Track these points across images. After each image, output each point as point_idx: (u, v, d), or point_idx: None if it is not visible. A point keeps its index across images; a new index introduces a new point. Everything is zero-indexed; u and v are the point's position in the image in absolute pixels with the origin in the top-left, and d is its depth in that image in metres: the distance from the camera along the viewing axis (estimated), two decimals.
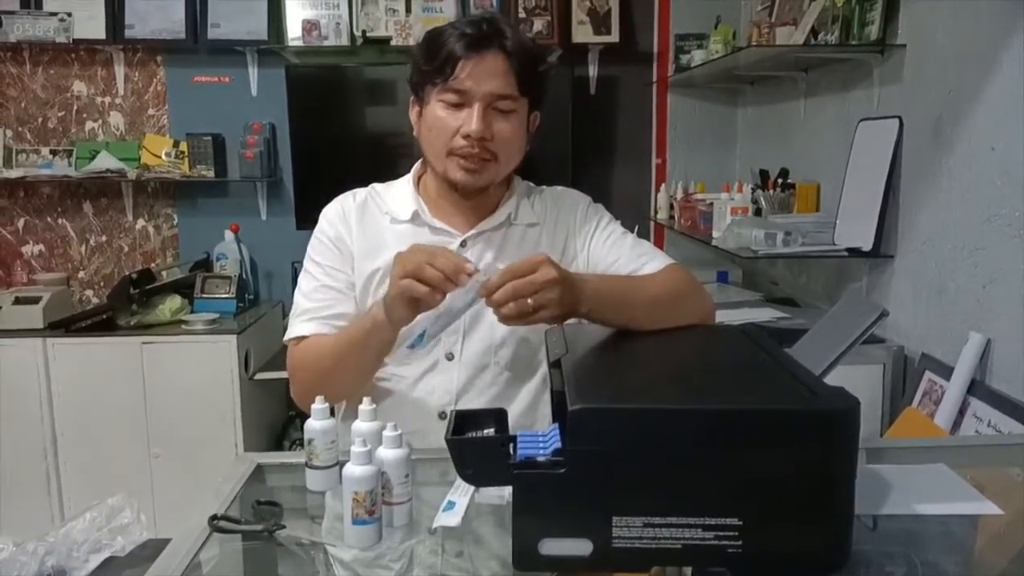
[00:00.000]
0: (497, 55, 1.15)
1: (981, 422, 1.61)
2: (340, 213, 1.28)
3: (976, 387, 1.66)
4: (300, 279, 1.29)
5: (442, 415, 1.22)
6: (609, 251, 1.27)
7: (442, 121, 1.17)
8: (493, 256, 1.25)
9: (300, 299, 1.26)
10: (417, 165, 1.32)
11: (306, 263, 1.29)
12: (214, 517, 0.96)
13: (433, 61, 1.16)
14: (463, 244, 1.25)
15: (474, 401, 1.22)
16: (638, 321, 1.11)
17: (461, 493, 0.99)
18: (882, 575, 0.88)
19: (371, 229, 1.27)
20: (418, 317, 1.06)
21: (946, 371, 1.74)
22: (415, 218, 1.26)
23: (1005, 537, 0.99)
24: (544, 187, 1.36)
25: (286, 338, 1.25)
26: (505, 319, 1.01)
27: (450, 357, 1.22)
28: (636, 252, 1.27)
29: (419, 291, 1.02)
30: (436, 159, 1.21)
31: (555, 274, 1.00)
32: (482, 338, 1.23)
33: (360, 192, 1.32)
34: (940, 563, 0.93)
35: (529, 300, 0.98)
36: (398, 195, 1.30)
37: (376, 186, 1.33)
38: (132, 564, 1.20)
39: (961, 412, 1.67)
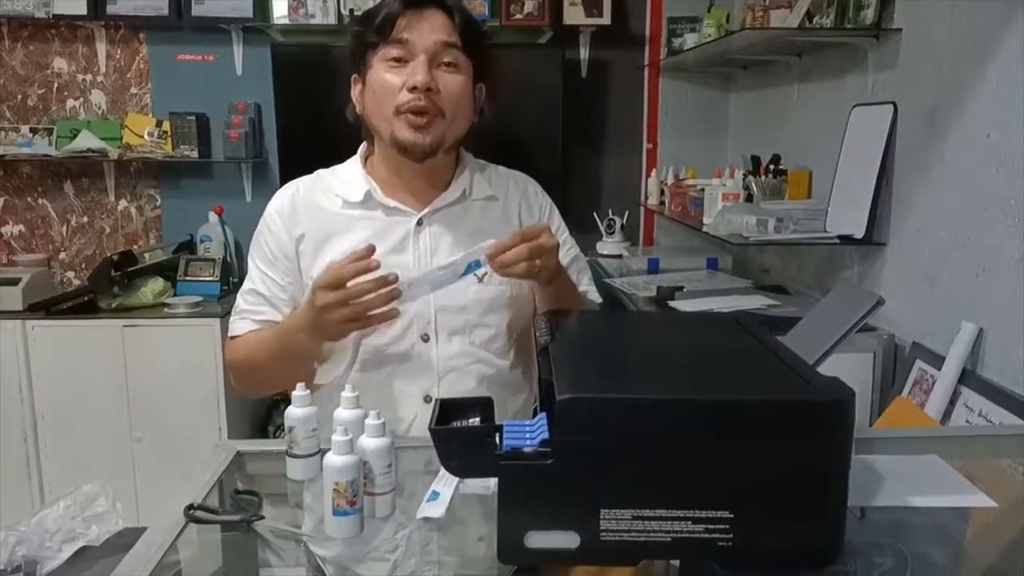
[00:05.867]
0: (437, 12, 1.16)
1: (972, 412, 1.60)
2: (283, 211, 1.23)
3: (967, 377, 1.65)
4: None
5: (427, 399, 1.19)
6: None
7: (386, 81, 1.15)
8: (453, 233, 1.22)
9: (239, 297, 1.25)
10: (363, 147, 1.28)
11: (249, 258, 1.26)
12: (190, 507, 0.93)
13: (372, 24, 1.17)
14: (419, 223, 1.21)
15: (456, 381, 1.20)
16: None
17: (446, 483, 0.96)
18: (872, 567, 0.87)
19: (320, 219, 1.22)
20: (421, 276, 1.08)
21: (937, 360, 1.73)
22: (367, 199, 1.21)
23: (997, 529, 0.99)
24: (498, 165, 1.34)
25: (229, 334, 1.25)
26: (506, 274, 1.07)
27: (425, 339, 1.19)
28: (576, 267, 1.32)
29: (358, 326, 1.06)
30: (383, 123, 1.17)
31: (556, 242, 1.09)
32: (455, 316, 1.20)
33: (303, 181, 1.27)
34: (931, 555, 0.92)
35: (537, 262, 1.06)
36: (347, 178, 1.25)
37: (320, 172, 1.28)
38: (107, 554, 1.17)
39: (952, 402, 1.66)
